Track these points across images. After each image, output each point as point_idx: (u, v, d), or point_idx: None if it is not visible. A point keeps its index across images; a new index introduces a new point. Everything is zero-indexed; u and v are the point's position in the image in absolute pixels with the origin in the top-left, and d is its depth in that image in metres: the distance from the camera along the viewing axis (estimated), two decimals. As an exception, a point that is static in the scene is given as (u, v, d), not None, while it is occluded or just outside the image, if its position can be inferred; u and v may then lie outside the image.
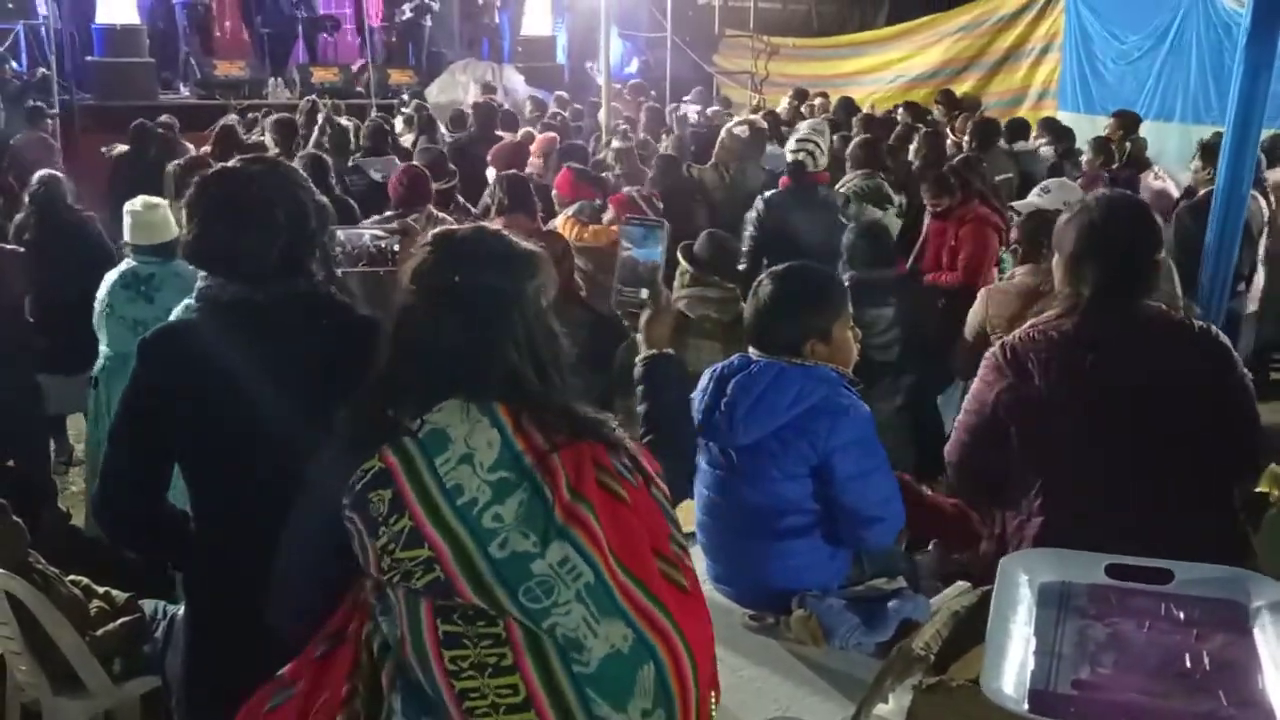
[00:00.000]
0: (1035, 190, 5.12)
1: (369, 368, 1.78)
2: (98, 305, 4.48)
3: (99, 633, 3.30)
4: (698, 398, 2.84)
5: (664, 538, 1.75)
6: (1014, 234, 4.47)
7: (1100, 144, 7.66)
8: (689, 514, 2.91)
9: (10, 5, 11.39)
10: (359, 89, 13.21)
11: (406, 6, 14.42)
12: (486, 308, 1.73)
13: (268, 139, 7.57)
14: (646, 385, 2.11)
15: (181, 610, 2.67)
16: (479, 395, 1.70)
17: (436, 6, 14.67)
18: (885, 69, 14.71)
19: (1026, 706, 1.57)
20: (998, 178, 7.04)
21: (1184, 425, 2.37)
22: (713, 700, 1.74)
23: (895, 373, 4.39)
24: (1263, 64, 3.73)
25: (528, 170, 6.90)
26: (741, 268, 4.80)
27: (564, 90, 12.85)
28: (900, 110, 10.28)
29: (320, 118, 8.43)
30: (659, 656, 1.63)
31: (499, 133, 8.59)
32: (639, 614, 1.63)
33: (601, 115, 9.95)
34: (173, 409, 2.10)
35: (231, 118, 9.08)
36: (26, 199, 5.62)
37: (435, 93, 13.45)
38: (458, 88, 13.57)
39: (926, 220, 6.03)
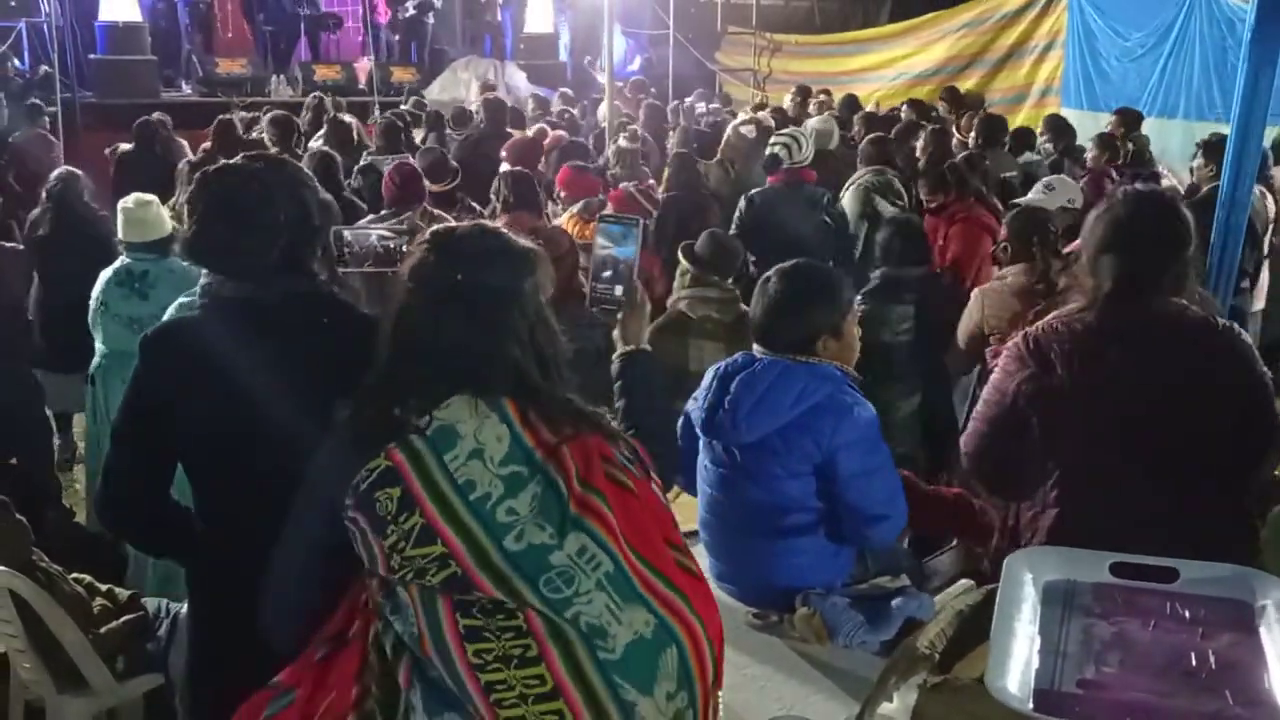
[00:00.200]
0: (1039, 187, 5.10)
1: (369, 366, 1.78)
2: (93, 303, 4.48)
3: (102, 630, 3.30)
4: (701, 396, 2.84)
5: (671, 526, 1.80)
6: (1002, 232, 4.42)
7: (1105, 140, 7.62)
8: (691, 512, 2.91)
9: (13, 3, 11.41)
10: (361, 86, 13.21)
11: (409, 4, 14.42)
12: (489, 305, 1.74)
13: (266, 137, 7.56)
14: (624, 382, 2.12)
15: (185, 608, 2.67)
16: (485, 391, 1.71)
17: (439, 4, 14.68)
18: (888, 66, 14.68)
19: (1031, 705, 1.57)
20: (1003, 175, 7.03)
21: (1205, 422, 2.37)
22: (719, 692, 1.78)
23: (911, 369, 4.38)
24: (1266, 60, 3.72)
25: (540, 168, 6.90)
26: None
27: (567, 87, 12.85)
28: (904, 108, 10.25)
29: (326, 115, 8.46)
30: (680, 640, 1.67)
31: (509, 129, 8.60)
32: (658, 600, 1.67)
33: (603, 111, 9.96)
34: (174, 406, 2.10)
35: (239, 115, 9.08)
36: (44, 195, 5.62)
37: (437, 90, 13.46)
38: (460, 85, 13.57)
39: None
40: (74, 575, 3.42)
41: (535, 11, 15.91)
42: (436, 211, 5.28)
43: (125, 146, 8.00)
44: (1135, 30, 11.70)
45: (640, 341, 2.18)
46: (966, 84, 12.89)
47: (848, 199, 5.91)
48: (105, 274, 4.50)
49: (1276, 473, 2.65)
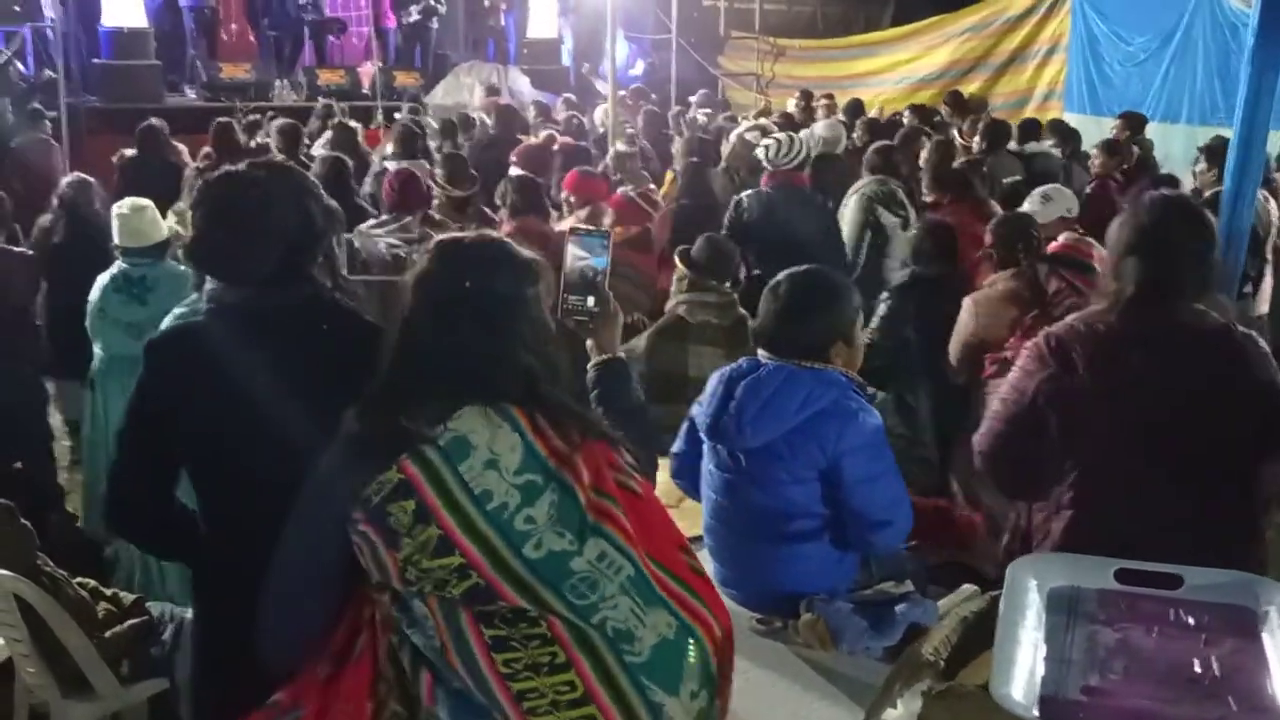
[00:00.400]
0: (1036, 198, 5.09)
1: (372, 375, 1.78)
2: (90, 309, 4.50)
3: (107, 635, 3.31)
4: (706, 401, 2.84)
5: (676, 530, 1.83)
6: (988, 240, 4.43)
7: (1110, 146, 7.61)
8: (696, 517, 2.91)
9: (17, 8, 11.41)
10: (365, 90, 13.22)
11: (413, 9, 14.43)
12: (499, 312, 1.75)
13: (272, 144, 7.58)
14: (600, 390, 2.12)
15: (190, 613, 2.67)
16: (496, 400, 1.71)
17: (442, 9, 14.68)
18: (891, 70, 14.69)
19: (1036, 713, 1.57)
20: (1005, 180, 7.03)
21: (1226, 428, 2.37)
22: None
23: (930, 365, 4.40)
24: (1269, 65, 3.71)
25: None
26: None
27: (570, 93, 12.86)
28: (907, 112, 10.26)
29: (333, 122, 8.49)
30: (700, 640, 1.70)
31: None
32: (676, 602, 1.70)
33: (598, 116, 9.97)
34: (178, 411, 2.11)
35: (243, 119, 9.10)
36: (55, 201, 5.62)
37: (440, 95, 13.46)
38: (463, 90, 13.57)
39: None
40: (78, 580, 3.42)
41: (538, 16, 15.92)
42: (438, 218, 5.29)
43: (129, 152, 8.02)
44: (1138, 35, 11.71)
45: (615, 350, 2.20)
46: (969, 88, 12.89)
47: (850, 207, 5.90)
48: (102, 279, 4.51)
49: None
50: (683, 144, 8.21)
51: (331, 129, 8.26)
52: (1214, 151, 6.07)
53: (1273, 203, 6.02)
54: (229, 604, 2.12)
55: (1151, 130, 8.91)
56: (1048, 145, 8.12)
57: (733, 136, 7.59)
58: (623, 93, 10.68)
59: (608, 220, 5.47)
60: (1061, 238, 4.35)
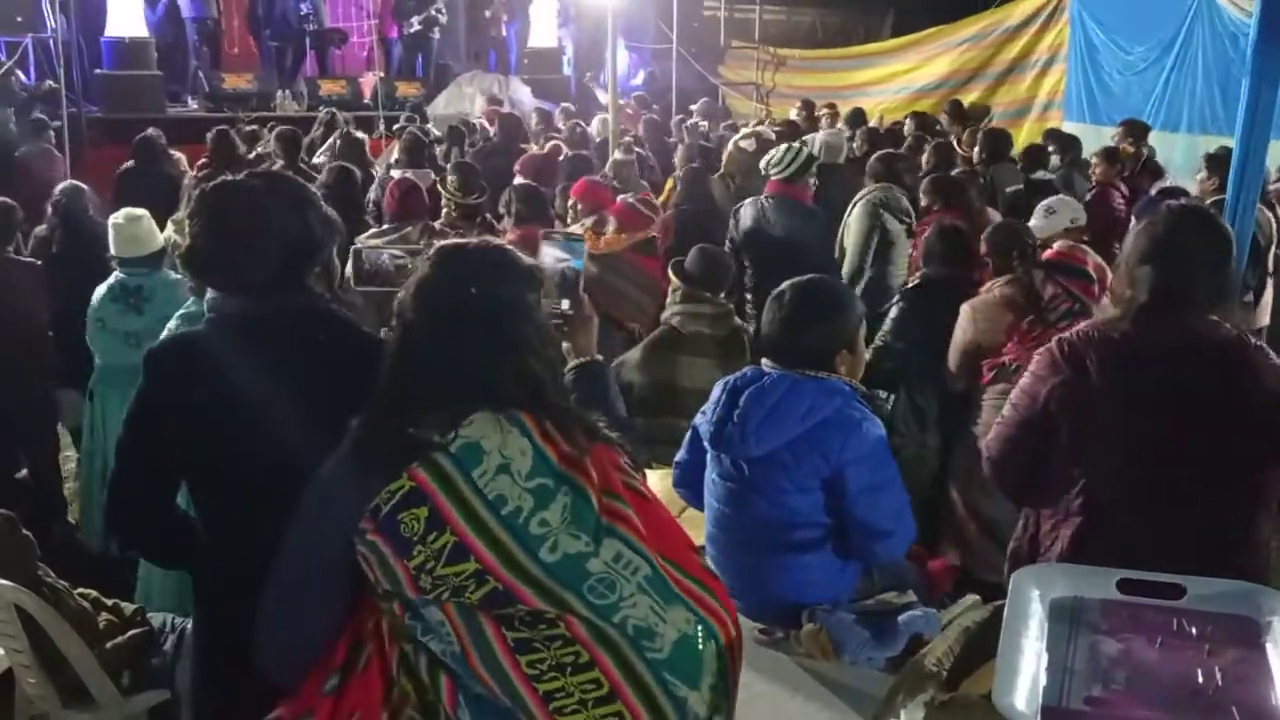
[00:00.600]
0: (1039, 212, 5.10)
1: (370, 385, 1.78)
2: (89, 319, 4.51)
3: (108, 645, 3.30)
4: (709, 410, 2.85)
5: (683, 531, 1.85)
6: (983, 248, 4.46)
7: (1110, 154, 7.61)
8: (697, 527, 2.91)
9: (19, 19, 11.44)
10: (366, 100, 13.25)
11: (414, 19, 14.47)
12: (505, 319, 1.75)
13: (273, 152, 7.59)
14: (578, 394, 2.12)
15: (191, 623, 2.67)
16: (504, 405, 1.71)
17: (444, 19, 14.72)
18: (891, 80, 14.73)
19: (1039, 723, 1.57)
20: (1008, 189, 7.04)
21: (1238, 439, 2.37)
22: None
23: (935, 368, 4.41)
24: (1269, 74, 3.72)
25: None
26: None
27: (570, 102, 12.88)
28: (908, 121, 10.29)
29: (338, 131, 8.49)
30: (717, 634, 1.72)
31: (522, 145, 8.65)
32: (692, 598, 1.72)
33: (595, 125, 9.99)
34: (176, 419, 2.12)
35: (249, 128, 9.11)
36: (49, 210, 5.63)
37: (442, 105, 13.49)
38: (464, 100, 13.61)
39: None
40: (80, 590, 3.42)
41: (539, 27, 15.97)
42: (438, 227, 5.29)
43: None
44: (1138, 44, 11.73)
45: (591, 353, 2.20)
46: (969, 98, 12.94)
47: (855, 214, 5.91)
48: (100, 290, 4.52)
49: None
50: (683, 151, 8.25)
51: (339, 139, 8.27)
52: (1216, 160, 6.08)
53: (1272, 213, 6.02)
54: (228, 612, 2.13)
55: (1152, 139, 8.90)
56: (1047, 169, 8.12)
57: (729, 144, 7.63)
58: (623, 101, 10.71)
59: (611, 227, 5.48)
60: (1056, 245, 4.37)
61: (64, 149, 9.18)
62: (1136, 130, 8.54)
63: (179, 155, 8.35)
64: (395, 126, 10.12)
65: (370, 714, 1.67)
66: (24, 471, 5.24)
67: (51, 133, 8.95)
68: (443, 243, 1.88)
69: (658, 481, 3.03)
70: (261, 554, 1.78)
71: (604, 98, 11.96)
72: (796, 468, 2.70)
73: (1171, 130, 10.75)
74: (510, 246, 1.88)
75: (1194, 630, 1.73)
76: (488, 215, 5.73)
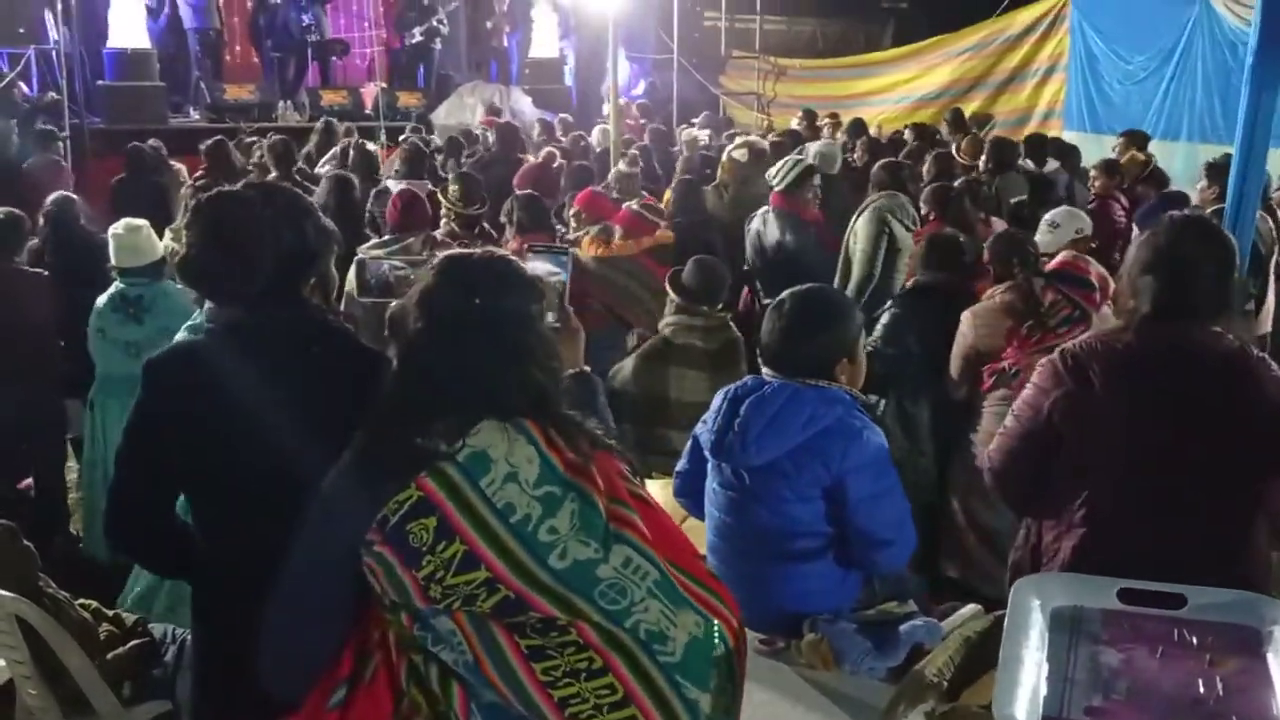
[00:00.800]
0: (1043, 228, 5.11)
1: (367, 396, 1.78)
2: (90, 329, 4.52)
3: (109, 656, 3.30)
4: (710, 419, 2.85)
5: (687, 538, 1.86)
6: (985, 256, 4.48)
7: (1110, 165, 7.62)
8: (698, 536, 2.91)
9: (21, 30, 11.47)
10: (368, 111, 13.29)
11: (416, 30, 14.52)
12: (509, 329, 1.75)
13: (266, 162, 7.60)
14: (568, 403, 2.12)
15: (191, 634, 2.67)
16: (509, 414, 1.71)
17: (445, 30, 14.76)
18: (891, 90, 14.75)
19: (1040, 733, 1.57)
20: (1012, 200, 7.05)
21: (1240, 450, 2.37)
22: None
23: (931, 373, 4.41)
24: (1269, 83, 3.73)
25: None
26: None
27: (570, 113, 12.91)
28: (908, 131, 10.30)
29: (345, 143, 8.51)
30: (725, 637, 1.74)
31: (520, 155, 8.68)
32: (699, 601, 1.73)
33: (595, 136, 9.99)
34: (175, 428, 2.13)
35: (249, 138, 9.13)
36: (40, 220, 5.65)
37: (443, 115, 13.53)
38: (465, 110, 13.65)
39: None
40: (80, 601, 3.42)
41: (540, 37, 16.01)
42: (439, 237, 5.30)
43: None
44: (1138, 53, 11.74)
45: (579, 364, 2.20)
46: (970, 107, 12.95)
47: (862, 222, 5.92)
48: (100, 300, 4.54)
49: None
50: (682, 162, 8.26)
51: (352, 150, 8.27)
52: (1217, 169, 6.08)
53: (1273, 220, 6.02)
54: (226, 621, 2.13)
55: (1152, 148, 8.92)
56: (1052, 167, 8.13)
57: (723, 155, 7.65)
58: (624, 101, 10.72)
59: (618, 234, 5.49)
60: (1061, 255, 4.38)
61: (66, 160, 9.21)
62: (1138, 140, 8.57)
63: (179, 166, 8.37)
64: (401, 137, 10.14)
65: None
66: (28, 481, 5.25)
67: (60, 144, 8.98)
68: (447, 253, 1.89)
69: (656, 491, 3.02)
70: (260, 563, 1.77)
71: (605, 108, 11.98)
72: (797, 476, 2.70)
73: (1171, 139, 10.75)
74: (514, 257, 1.90)
75: (1195, 640, 1.73)
76: (486, 225, 5.74)
